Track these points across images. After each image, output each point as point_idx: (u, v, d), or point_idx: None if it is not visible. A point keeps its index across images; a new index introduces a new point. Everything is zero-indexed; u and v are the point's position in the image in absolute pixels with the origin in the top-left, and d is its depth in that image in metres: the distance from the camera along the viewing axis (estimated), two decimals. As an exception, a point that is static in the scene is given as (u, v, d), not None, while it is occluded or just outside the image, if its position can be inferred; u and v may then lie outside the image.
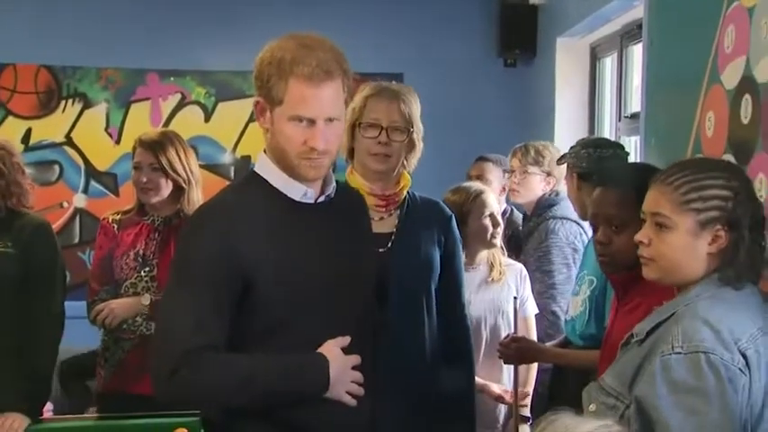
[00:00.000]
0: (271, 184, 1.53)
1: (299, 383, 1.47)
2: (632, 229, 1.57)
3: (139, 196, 2.48)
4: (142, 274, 2.40)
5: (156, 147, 2.44)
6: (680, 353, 1.31)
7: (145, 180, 2.43)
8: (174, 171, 2.43)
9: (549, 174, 2.98)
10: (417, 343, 1.93)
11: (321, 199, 1.56)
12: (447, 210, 2.07)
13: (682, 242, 1.38)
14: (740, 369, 1.30)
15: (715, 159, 1.60)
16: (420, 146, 2.01)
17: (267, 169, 1.54)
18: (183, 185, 2.45)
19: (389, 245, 1.92)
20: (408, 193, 2.02)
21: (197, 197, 2.47)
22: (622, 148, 2.47)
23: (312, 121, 1.47)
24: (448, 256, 2.00)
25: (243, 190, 1.57)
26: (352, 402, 1.50)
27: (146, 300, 2.36)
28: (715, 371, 1.29)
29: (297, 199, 1.53)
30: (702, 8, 2.10)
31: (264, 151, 1.57)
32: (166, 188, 2.44)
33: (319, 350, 1.49)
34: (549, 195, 2.96)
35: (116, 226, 2.48)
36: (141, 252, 2.42)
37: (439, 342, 1.97)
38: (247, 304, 1.46)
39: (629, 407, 1.35)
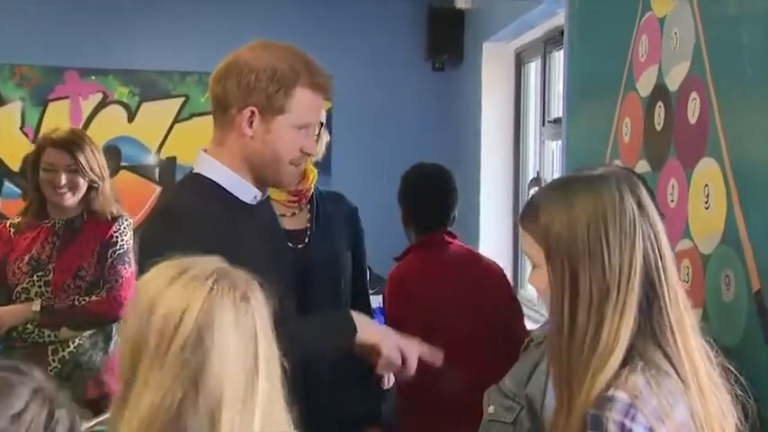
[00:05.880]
0: (220, 187, 1.55)
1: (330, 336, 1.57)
2: None
3: (53, 199, 2.37)
4: (35, 278, 2.31)
5: (73, 147, 2.35)
6: None
7: (63, 182, 2.34)
8: (92, 171, 2.37)
9: None
10: None
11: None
12: (351, 202, 2.11)
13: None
14: None
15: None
16: (326, 135, 2.03)
17: (219, 172, 1.55)
18: (99, 184, 2.39)
19: (307, 240, 1.92)
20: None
21: (109, 190, 2.43)
22: None
23: (308, 128, 1.57)
24: (354, 248, 2.05)
25: (198, 192, 1.56)
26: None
27: (36, 306, 2.26)
28: None
29: (247, 201, 1.57)
30: (618, 17, 2.15)
31: (205, 151, 1.58)
32: (83, 189, 2.38)
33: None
34: None
35: (13, 230, 2.39)
36: (36, 256, 2.33)
37: None
38: None
39: (524, 408, 1.38)
